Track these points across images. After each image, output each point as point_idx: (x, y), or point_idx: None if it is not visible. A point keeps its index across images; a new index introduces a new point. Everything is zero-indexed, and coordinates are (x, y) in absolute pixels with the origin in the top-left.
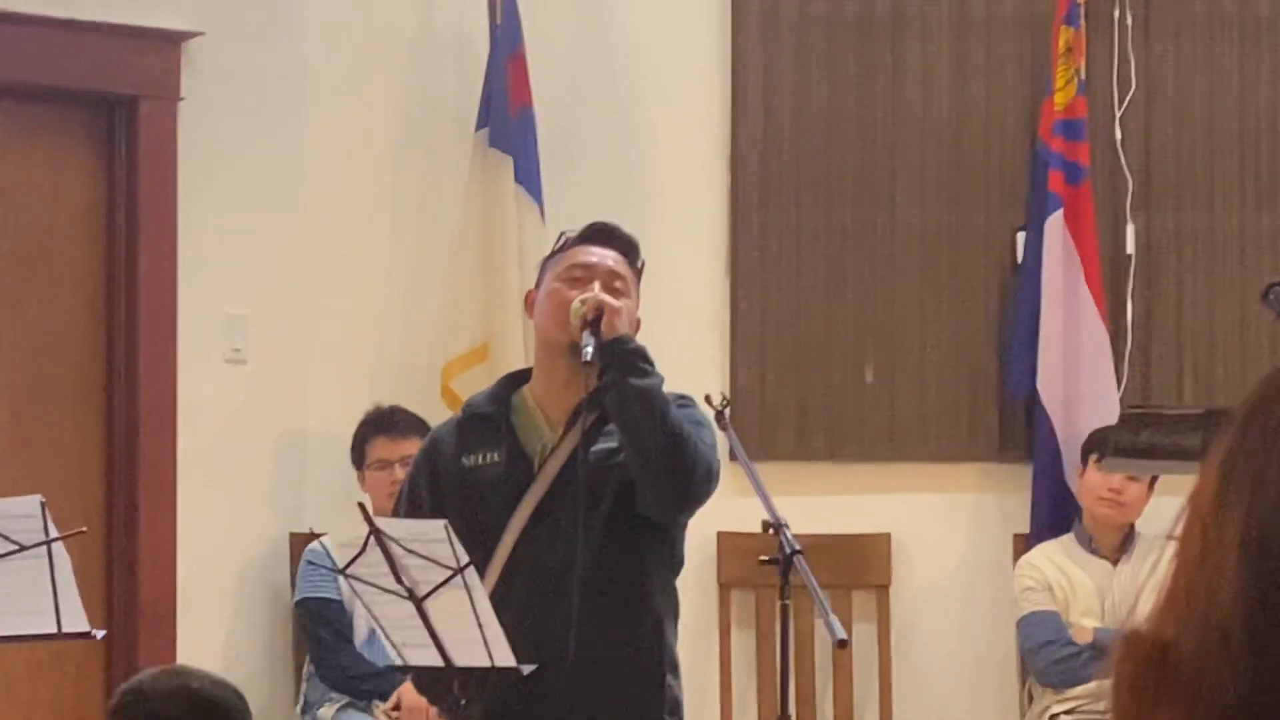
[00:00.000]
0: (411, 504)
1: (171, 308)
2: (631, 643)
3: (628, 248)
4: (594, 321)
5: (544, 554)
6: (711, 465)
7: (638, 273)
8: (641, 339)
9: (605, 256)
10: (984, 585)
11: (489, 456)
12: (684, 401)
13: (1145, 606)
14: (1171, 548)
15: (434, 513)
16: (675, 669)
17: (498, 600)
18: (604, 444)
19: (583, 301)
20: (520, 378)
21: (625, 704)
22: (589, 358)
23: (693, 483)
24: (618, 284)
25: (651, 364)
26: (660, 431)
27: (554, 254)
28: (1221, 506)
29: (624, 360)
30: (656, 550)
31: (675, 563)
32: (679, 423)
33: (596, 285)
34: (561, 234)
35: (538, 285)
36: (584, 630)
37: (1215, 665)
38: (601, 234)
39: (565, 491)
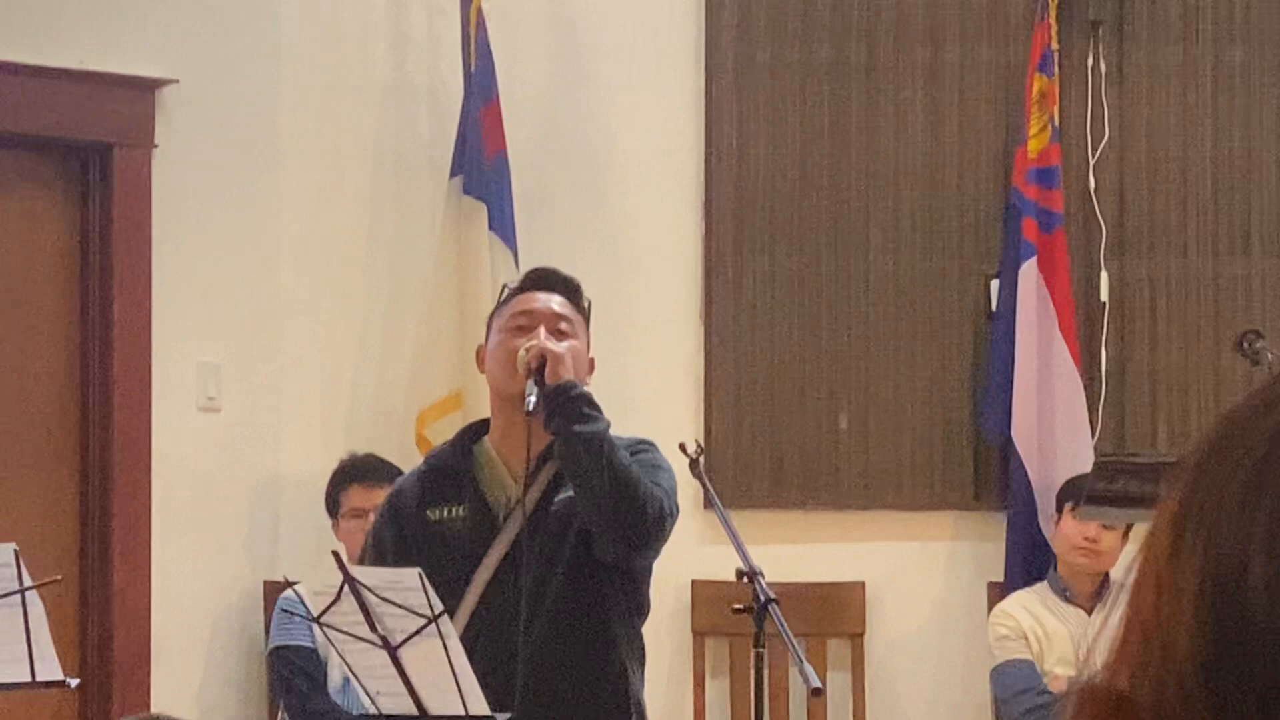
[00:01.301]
0: (377, 554)
1: (146, 355)
2: (597, 689)
3: (569, 289)
4: (538, 370)
5: (508, 604)
6: (663, 506)
7: (584, 312)
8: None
9: (548, 301)
10: (959, 633)
11: (453, 510)
12: (643, 446)
13: (1101, 656)
14: (1126, 597)
15: (398, 563)
16: (642, 715)
17: (465, 650)
18: (565, 493)
19: (527, 349)
20: (480, 428)
21: None
22: (531, 407)
23: (644, 523)
24: (562, 325)
25: (597, 409)
26: (607, 475)
27: (498, 307)
28: (1176, 555)
29: (568, 407)
30: (620, 597)
31: (640, 609)
32: (626, 466)
33: (541, 331)
34: (504, 285)
35: (486, 339)
36: (546, 677)
37: (1174, 715)
38: (542, 279)
39: (529, 542)
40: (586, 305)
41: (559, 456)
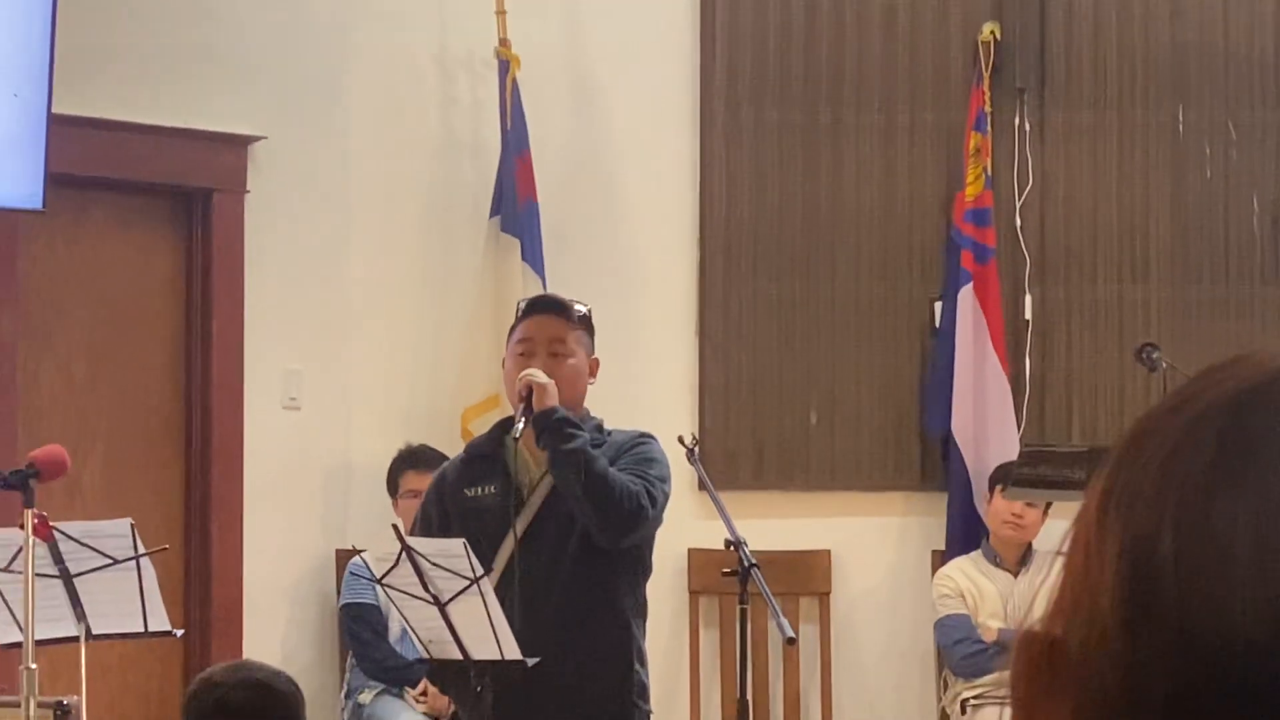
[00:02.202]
0: (425, 527)
1: (239, 364)
2: (604, 638)
3: (564, 310)
4: (526, 399)
5: (531, 566)
6: (640, 499)
7: (583, 324)
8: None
9: (544, 325)
10: (907, 593)
11: (487, 489)
12: (643, 440)
13: (1039, 610)
14: (1060, 561)
15: (442, 533)
16: (643, 660)
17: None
18: None
19: (520, 379)
20: (510, 423)
21: (601, 689)
22: (517, 434)
23: (621, 516)
24: (556, 347)
25: (577, 427)
26: (585, 481)
27: (512, 326)
28: (1102, 526)
29: (551, 430)
30: (624, 562)
31: (643, 572)
32: (601, 473)
33: (539, 356)
34: (518, 304)
35: (506, 353)
36: (563, 627)
37: (1097, 659)
38: (540, 305)
39: (548, 516)
40: (584, 313)
41: (549, 466)
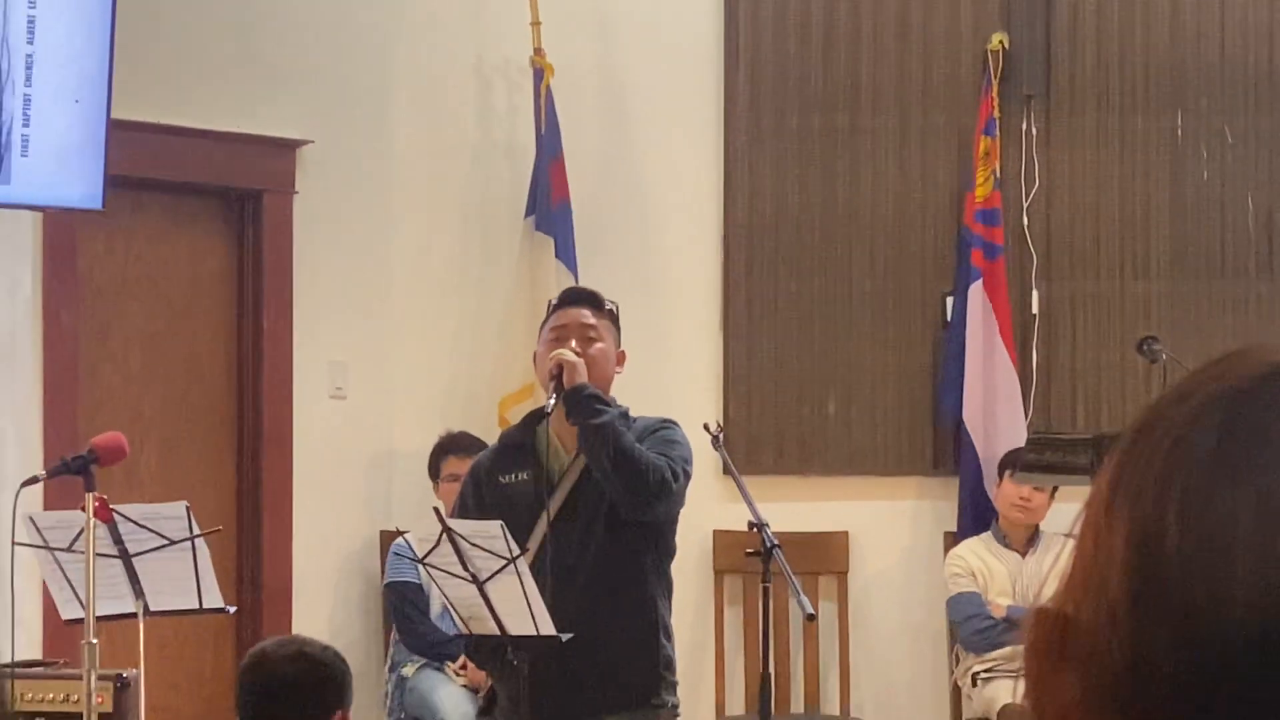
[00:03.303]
0: (463, 510)
1: (288, 356)
2: (629, 613)
3: (594, 300)
4: (557, 377)
5: (561, 547)
6: (664, 474)
7: (610, 315)
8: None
9: (576, 315)
10: (921, 572)
11: (519, 475)
12: (666, 424)
13: (1050, 588)
14: (1071, 543)
15: (478, 517)
16: (669, 634)
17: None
18: None
19: (551, 358)
20: (541, 413)
21: (630, 661)
22: (549, 409)
23: (646, 488)
24: (590, 333)
25: (605, 403)
26: (612, 454)
27: (545, 319)
28: (1111, 511)
29: (581, 405)
30: (649, 542)
31: (667, 552)
32: (628, 446)
33: (573, 341)
34: (549, 301)
35: (538, 344)
36: (593, 604)
37: (1106, 636)
38: (571, 297)
39: (577, 500)
40: (613, 309)
41: (579, 440)
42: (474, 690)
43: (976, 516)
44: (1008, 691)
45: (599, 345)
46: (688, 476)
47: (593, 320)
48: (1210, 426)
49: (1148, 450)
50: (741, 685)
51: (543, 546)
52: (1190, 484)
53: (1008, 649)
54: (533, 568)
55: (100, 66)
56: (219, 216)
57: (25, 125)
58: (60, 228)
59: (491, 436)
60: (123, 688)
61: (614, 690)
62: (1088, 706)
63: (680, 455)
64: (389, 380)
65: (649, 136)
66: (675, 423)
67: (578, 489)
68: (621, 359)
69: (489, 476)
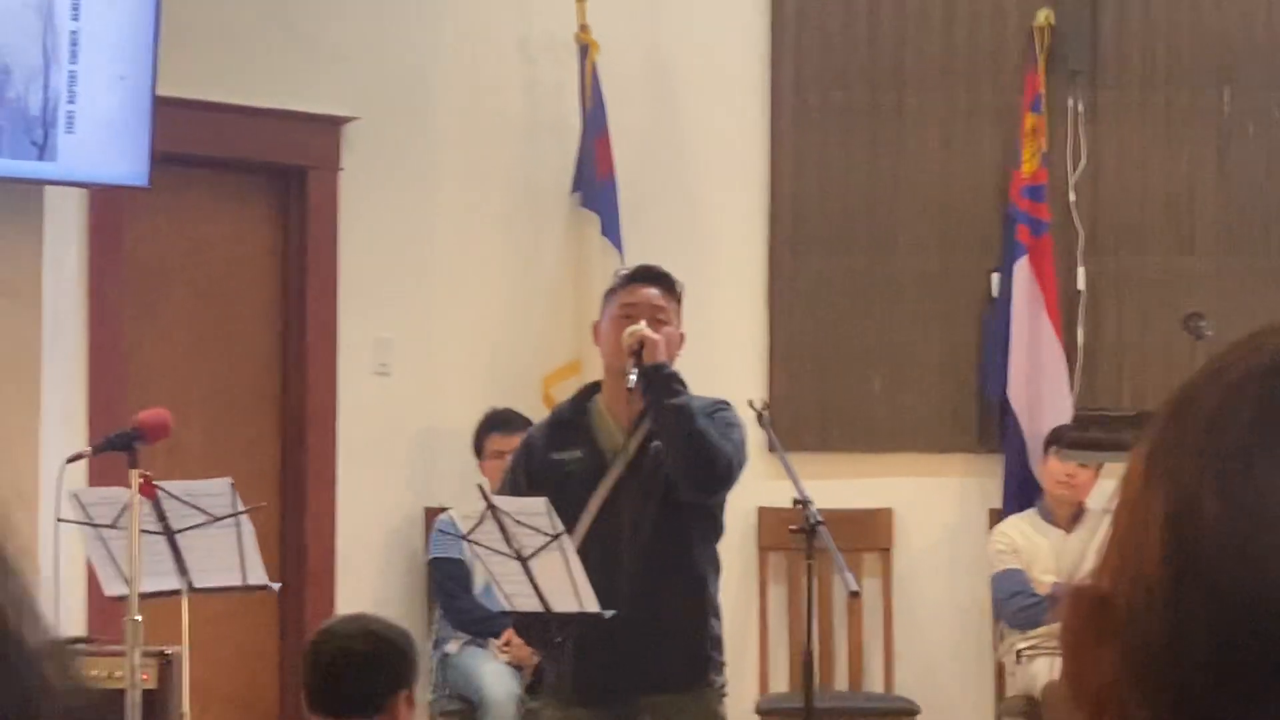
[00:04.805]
0: (514, 487)
1: (332, 333)
2: (680, 592)
3: (666, 282)
4: (637, 353)
5: (614, 526)
6: (731, 459)
7: (678, 298)
8: (700, 358)
9: (649, 293)
10: (965, 549)
11: (572, 453)
12: (721, 405)
13: (1090, 565)
14: (1109, 520)
15: (530, 494)
16: (717, 613)
17: (580, 561)
18: (659, 442)
19: (630, 334)
20: (594, 389)
21: (676, 639)
22: (632, 385)
23: (715, 474)
24: (660, 315)
25: (683, 384)
26: (686, 436)
27: (611, 291)
28: (1147, 489)
29: (660, 384)
30: (700, 522)
31: (716, 531)
32: (703, 429)
33: (643, 321)
34: (616, 271)
35: (601, 316)
36: (644, 584)
37: (1143, 613)
38: (644, 275)
39: (631, 479)
40: (679, 291)
41: (652, 422)
42: (517, 667)
43: (1021, 493)
44: (1051, 668)
45: (667, 328)
46: (745, 461)
47: (662, 302)
48: (1246, 402)
49: (1183, 427)
50: (785, 662)
51: (595, 525)
52: (1226, 459)
53: (1051, 626)
54: (584, 547)
55: (145, 43)
56: (264, 194)
57: (71, 103)
58: (106, 205)
59: (536, 413)
60: (166, 664)
61: (663, 670)
62: (1125, 684)
63: (740, 439)
64: (433, 357)
65: (694, 113)
66: (729, 403)
67: (631, 468)
68: (681, 341)
69: (542, 454)
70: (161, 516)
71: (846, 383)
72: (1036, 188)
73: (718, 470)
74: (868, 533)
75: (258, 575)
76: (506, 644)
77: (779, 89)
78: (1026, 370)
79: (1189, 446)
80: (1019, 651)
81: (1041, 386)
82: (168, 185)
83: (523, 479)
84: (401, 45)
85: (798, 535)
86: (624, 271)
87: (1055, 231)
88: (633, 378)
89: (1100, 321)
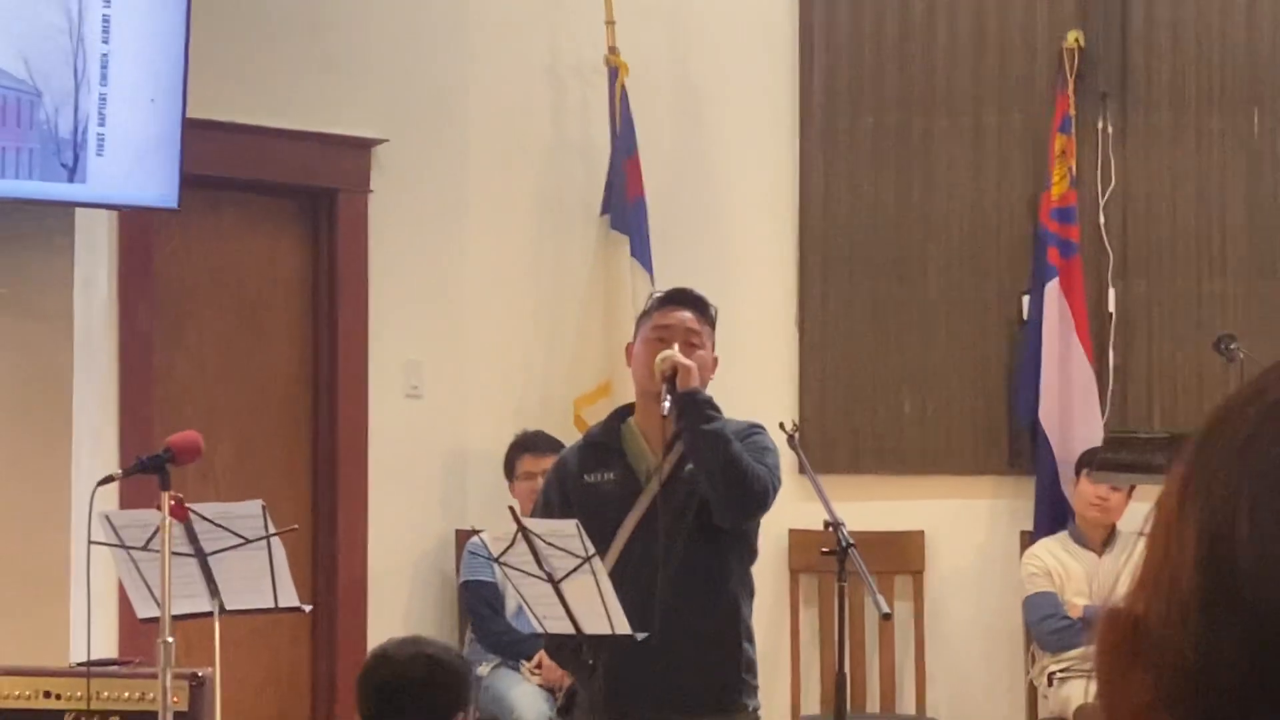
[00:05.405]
0: (546, 509)
1: (363, 355)
2: (714, 616)
3: (700, 305)
4: (670, 379)
5: (648, 548)
6: (767, 484)
7: (711, 321)
8: (730, 380)
9: (682, 319)
10: (997, 571)
11: (605, 475)
12: (755, 429)
13: (1123, 588)
14: (1143, 542)
15: (562, 516)
16: (750, 636)
17: (613, 584)
18: (692, 465)
19: (662, 359)
20: (627, 411)
21: (709, 662)
22: (666, 412)
23: (750, 500)
24: (693, 339)
25: (717, 410)
26: (722, 462)
27: (645, 313)
28: (1182, 510)
29: (694, 410)
30: (733, 546)
31: (750, 554)
32: (738, 455)
33: (676, 345)
34: (650, 294)
35: (634, 338)
36: (677, 607)
37: (1177, 637)
38: (677, 298)
39: (664, 501)
40: (713, 314)
41: (686, 448)
42: (549, 689)
43: (1053, 516)
44: (1084, 691)
45: (700, 353)
46: (779, 486)
47: (696, 325)
48: None
49: (1219, 449)
50: (817, 684)
51: (628, 548)
52: (1261, 483)
53: (1083, 649)
54: (617, 570)
55: (175, 65)
56: (294, 216)
57: (101, 124)
58: (136, 227)
59: (567, 435)
60: (198, 686)
61: (696, 693)
62: (1159, 707)
63: (774, 463)
64: (464, 379)
65: (724, 135)
66: (763, 427)
67: (665, 491)
68: (714, 365)
69: (575, 476)
70: (193, 538)
71: (877, 405)
72: (1066, 210)
73: (753, 495)
74: (899, 555)
75: (289, 597)
76: (538, 666)
77: (808, 111)
78: (1057, 392)
79: (1223, 470)
80: (1051, 674)
81: (1073, 408)
82: (197, 207)
83: (556, 501)
84: (431, 67)
85: (829, 557)
86: (658, 294)
87: (1085, 253)
88: (666, 404)
89: (1131, 343)
